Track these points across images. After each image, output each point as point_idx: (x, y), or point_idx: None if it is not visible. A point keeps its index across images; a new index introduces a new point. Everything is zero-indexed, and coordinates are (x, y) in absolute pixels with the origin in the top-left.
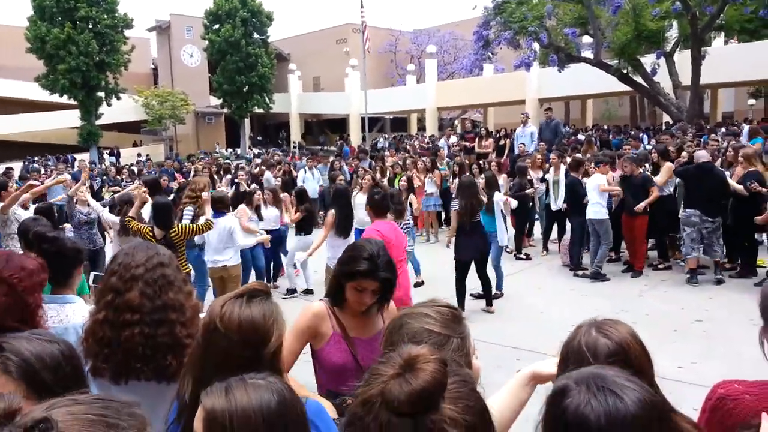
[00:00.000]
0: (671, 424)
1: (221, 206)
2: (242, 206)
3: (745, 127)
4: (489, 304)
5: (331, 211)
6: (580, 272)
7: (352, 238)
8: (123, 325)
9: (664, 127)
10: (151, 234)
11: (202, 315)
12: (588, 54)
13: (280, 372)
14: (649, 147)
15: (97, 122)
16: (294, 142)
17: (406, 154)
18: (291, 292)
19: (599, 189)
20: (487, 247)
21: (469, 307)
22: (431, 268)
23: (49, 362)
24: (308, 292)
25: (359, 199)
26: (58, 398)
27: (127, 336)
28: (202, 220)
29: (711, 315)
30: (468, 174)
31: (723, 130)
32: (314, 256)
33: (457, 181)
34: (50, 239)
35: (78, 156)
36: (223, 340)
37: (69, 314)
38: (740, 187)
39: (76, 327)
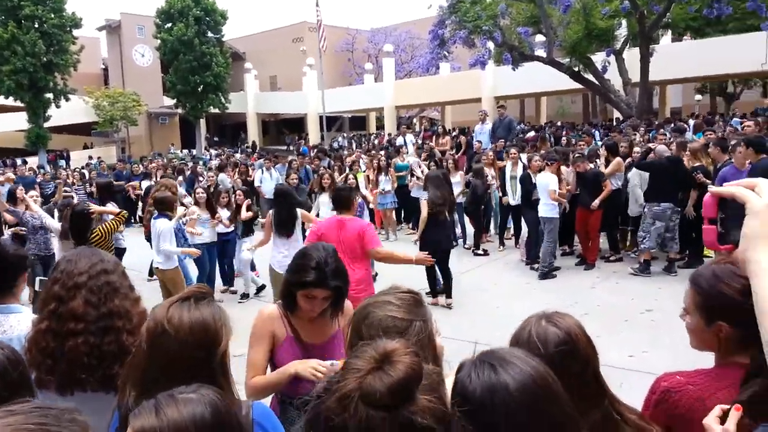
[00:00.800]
0: (561, 403)
1: (162, 208)
2: (193, 207)
3: (691, 123)
4: (449, 297)
5: (270, 212)
6: (536, 266)
7: (297, 238)
8: (67, 334)
9: (615, 124)
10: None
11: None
12: (541, 52)
13: (227, 374)
14: (600, 143)
15: (46, 125)
16: (246, 143)
17: (363, 154)
18: (245, 296)
19: (549, 195)
20: (451, 241)
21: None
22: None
23: None
24: (262, 288)
25: (323, 199)
26: None
27: (72, 346)
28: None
29: (660, 305)
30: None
31: (672, 125)
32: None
33: (414, 179)
34: None
35: (29, 160)
36: (173, 344)
37: (13, 324)
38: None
39: (21, 338)
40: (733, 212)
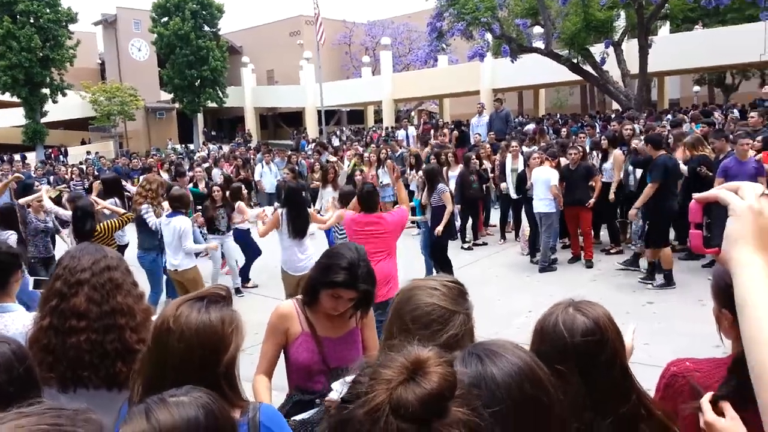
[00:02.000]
0: (550, 397)
1: (178, 205)
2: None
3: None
4: None
5: (279, 211)
6: (535, 260)
7: (306, 241)
8: (69, 331)
9: (613, 115)
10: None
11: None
12: (539, 44)
13: (233, 382)
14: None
15: (43, 120)
16: (243, 135)
17: (361, 148)
18: (237, 291)
19: (551, 190)
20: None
21: None
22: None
23: (1, 362)
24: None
25: (327, 193)
26: (1, 413)
27: (74, 343)
28: (161, 219)
29: (661, 297)
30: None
31: (669, 116)
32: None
33: (413, 172)
34: None
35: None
36: (177, 343)
37: (8, 323)
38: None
39: (16, 336)
40: (718, 216)
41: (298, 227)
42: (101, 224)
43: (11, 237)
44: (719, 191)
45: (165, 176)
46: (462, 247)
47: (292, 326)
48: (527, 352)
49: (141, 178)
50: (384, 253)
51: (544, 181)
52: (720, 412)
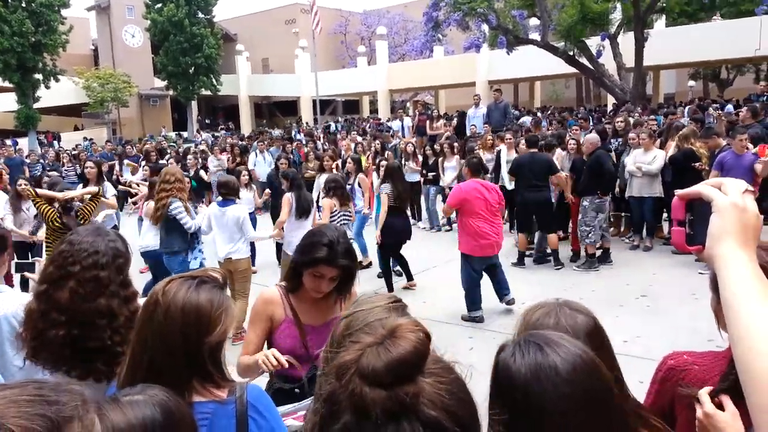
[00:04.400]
0: (610, 388)
1: (226, 192)
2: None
3: (686, 109)
4: (410, 279)
5: (289, 194)
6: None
7: (309, 223)
8: (52, 323)
9: (609, 108)
10: (59, 222)
11: None
12: (535, 36)
13: (219, 363)
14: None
15: (36, 105)
16: (226, 124)
17: (358, 137)
18: None
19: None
20: (409, 230)
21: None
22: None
23: None
24: None
25: (323, 180)
26: None
27: (53, 337)
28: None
29: (654, 290)
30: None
31: (665, 109)
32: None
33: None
34: None
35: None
36: (161, 318)
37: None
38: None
39: (8, 317)
40: (701, 213)
41: (303, 207)
42: (81, 208)
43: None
44: (702, 187)
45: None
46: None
47: (276, 312)
48: (578, 343)
49: (162, 172)
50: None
51: None
52: (719, 405)
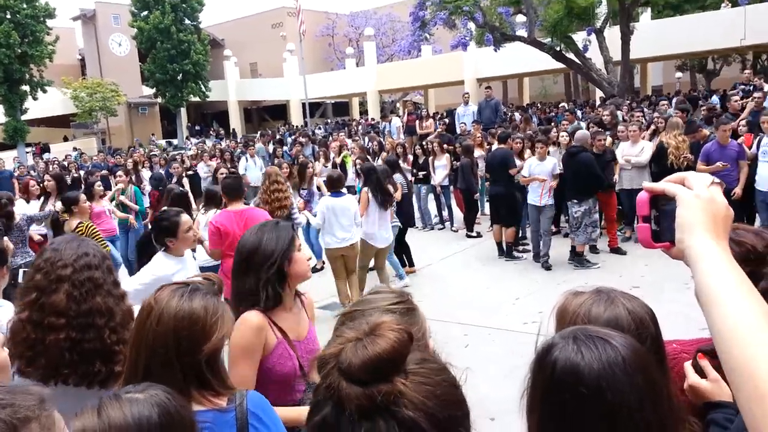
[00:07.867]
0: (664, 377)
1: (340, 186)
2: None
3: (674, 101)
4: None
5: (366, 189)
6: (520, 248)
7: (388, 213)
8: (48, 328)
9: (598, 102)
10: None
11: None
12: (522, 33)
13: (218, 370)
14: (583, 123)
15: (24, 117)
16: (217, 130)
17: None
18: None
19: (553, 179)
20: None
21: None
22: None
23: None
24: None
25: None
26: None
27: (53, 341)
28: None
29: (647, 281)
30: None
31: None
32: None
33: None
34: None
35: (7, 154)
36: (156, 326)
37: None
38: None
39: (4, 329)
40: (665, 209)
41: (383, 199)
42: (85, 223)
43: None
44: (665, 184)
45: (148, 173)
46: (467, 234)
47: (268, 337)
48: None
49: (262, 174)
50: None
51: (548, 171)
52: (701, 372)
